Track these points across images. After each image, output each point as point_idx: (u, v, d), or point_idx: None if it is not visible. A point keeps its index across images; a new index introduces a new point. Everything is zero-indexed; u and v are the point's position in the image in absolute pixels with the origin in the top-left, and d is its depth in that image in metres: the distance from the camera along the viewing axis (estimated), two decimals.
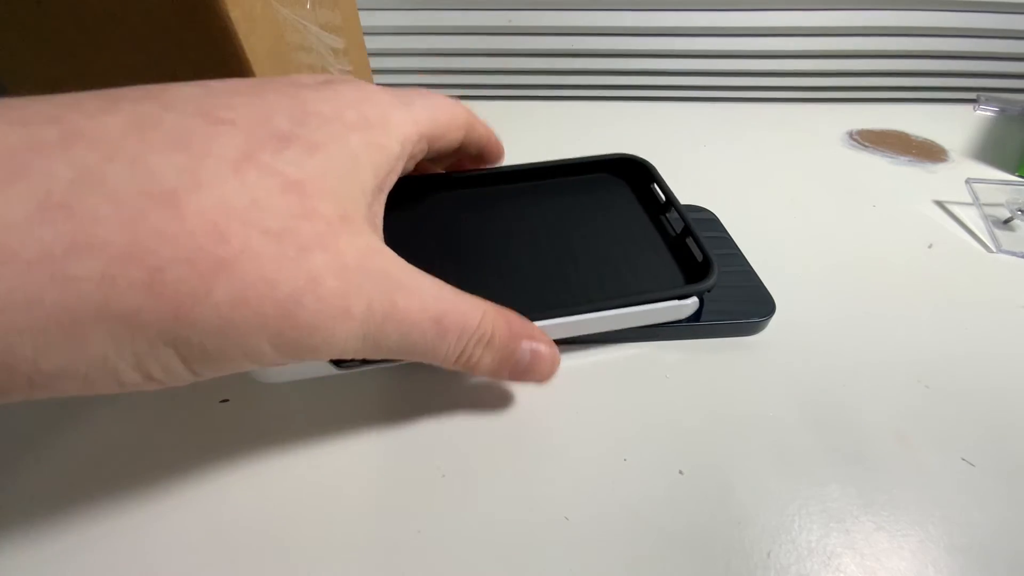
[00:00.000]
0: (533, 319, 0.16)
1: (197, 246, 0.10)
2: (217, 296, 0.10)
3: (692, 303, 0.18)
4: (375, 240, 0.13)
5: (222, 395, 0.18)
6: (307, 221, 0.11)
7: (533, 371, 0.16)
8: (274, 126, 0.12)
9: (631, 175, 0.23)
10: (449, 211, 0.21)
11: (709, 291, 0.18)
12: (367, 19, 0.39)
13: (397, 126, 0.14)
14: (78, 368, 0.10)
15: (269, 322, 0.11)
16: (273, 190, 0.11)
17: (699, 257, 0.19)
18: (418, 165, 0.18)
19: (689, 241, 0.19)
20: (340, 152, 0.12)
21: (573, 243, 0.20)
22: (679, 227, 0.20)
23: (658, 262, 0.19)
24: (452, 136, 0.17)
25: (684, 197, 0.26)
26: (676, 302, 0.18)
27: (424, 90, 0.16)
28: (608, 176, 0.23)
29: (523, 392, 0.18)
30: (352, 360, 0.16)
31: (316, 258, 0.11)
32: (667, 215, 0.21)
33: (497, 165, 0.21)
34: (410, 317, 0.13)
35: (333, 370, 0.16)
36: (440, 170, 0.21)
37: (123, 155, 0.10)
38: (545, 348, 0.16)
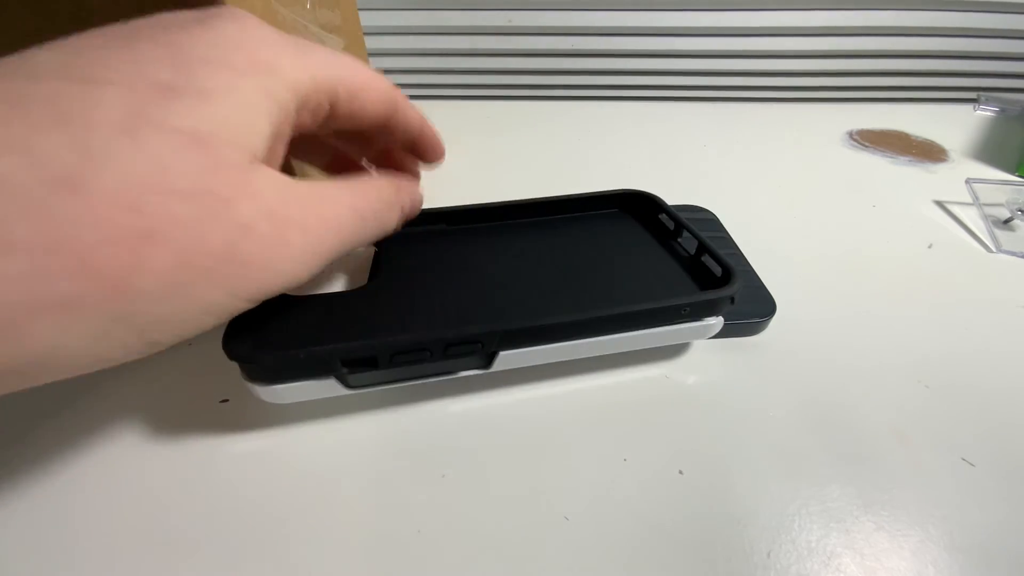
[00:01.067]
0: (560, 341, 0.16)
1: (116, 225, 0.10)
2: (153, 264, 0.10)
3: (718, 321, 0.18)
4: (281, 175, 0.13)
5: (222, 395, 0.18)
6: (221, 172, 0.11)
7: (415, 205, 0.18)
8: (155, 78, 0.11)
9: (637, 208, 0.23)
10: (453, 246, 0.21)
11: (733, 300, 0.17)
12: (367, 19, 0.39)
13: (289, 71, 0.13)
14: (27, 360, 0.10)
15: (215, 273, 0.11)
16: (177, 148, 0.10)
17: (718, 272, 0.18)
18: (332, 141, 0.19)
19: (706, 258, 0.19)
20: (231, 99, 0.11)
21: (586, 275, 0.19)
22: (692, 249, 0.20)
23: (676, 283, 0.19)
24: (367, 106, 0.16)
25: (684, 197, 0.26)
26: (702, 322, 0.17)
27: (331, 49, 0.15)
28: (615, 211, 0.23)
29: (522, 392, 0.18)
30: (362, 373, 0.15)
31: (243, 207, 0.11)
32: (679, 240, 0.21)
33: (435, 164, 0.20)
34: (339, 221, 0.14)
35: (342, 391, 0.15)
36: (361, 155, 0.20)
37: (9, 144, 0.09)
38: (411, 181, 0.18)
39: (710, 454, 0.16)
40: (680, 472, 0.16)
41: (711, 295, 0.17)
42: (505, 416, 0.17)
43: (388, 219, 0.16)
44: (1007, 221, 0.27)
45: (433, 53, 0.42)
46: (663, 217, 0.22)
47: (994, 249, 0.25)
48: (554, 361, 0.17)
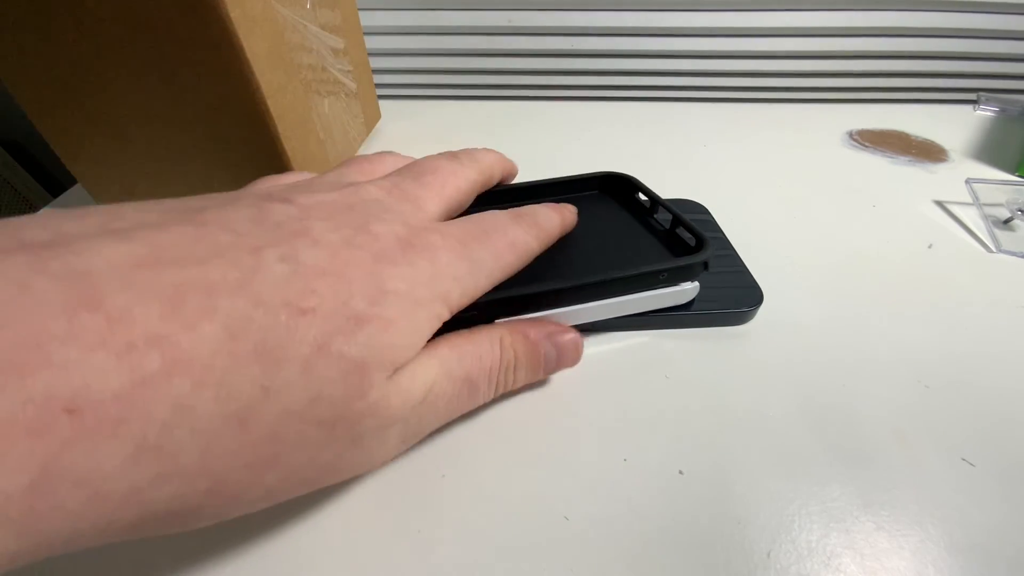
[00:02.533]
0: (544, 309, 0.17)
1: (256, 454, 0.11)
2: (264, 481, 0.11)
3: (694, 286, 0.19)
4: (413, 381, 0.13)
5: None
6: (362, 399, 0.12)
7: (563, 362, 0.17)
8: (352, 311, 0.11)
9: (616, 189, 0.23)
10: None
11: (707, 266, 0.18)
12: (367, 19, 0.39)
13: (457, 299, 0.14)
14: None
15: (309, 482, 0.12)
16: (338, 376, 0.11)
17: (691, 242, 0.19)
18: None
19: (680, 230, 0.20)
20: (405, 326, 0.12)
21: (570, 251, 0.20)
22: (668, 224, 0.21)
23: (653, 253, 0.20)
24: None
25: (684, 197, 0.26)
26: (679, 287, 0.19)
27: (494, 231, 0.15)
28: (595, 193, 0.24)
29: (522, 392, 0.18)
30: None
31: (363, 425, 0.12)
32: (655, 216, 0.22)
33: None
34: (443, 397, 0.14)
35: None
36: None
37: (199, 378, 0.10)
38: (565, 337, 0.17)
39: (710, 454, 0.16)
40: (680, 472, 0.16)
41: (685, 260, 0.18)
42: (505, 417, 0.17)
43: (511, 380, 0.16)
44: (1007, 221, 0.27)
45: (433, 53, 0.42)
46: (640, 196, 0.23)
47: (994, 249, 0.25)
48: None
